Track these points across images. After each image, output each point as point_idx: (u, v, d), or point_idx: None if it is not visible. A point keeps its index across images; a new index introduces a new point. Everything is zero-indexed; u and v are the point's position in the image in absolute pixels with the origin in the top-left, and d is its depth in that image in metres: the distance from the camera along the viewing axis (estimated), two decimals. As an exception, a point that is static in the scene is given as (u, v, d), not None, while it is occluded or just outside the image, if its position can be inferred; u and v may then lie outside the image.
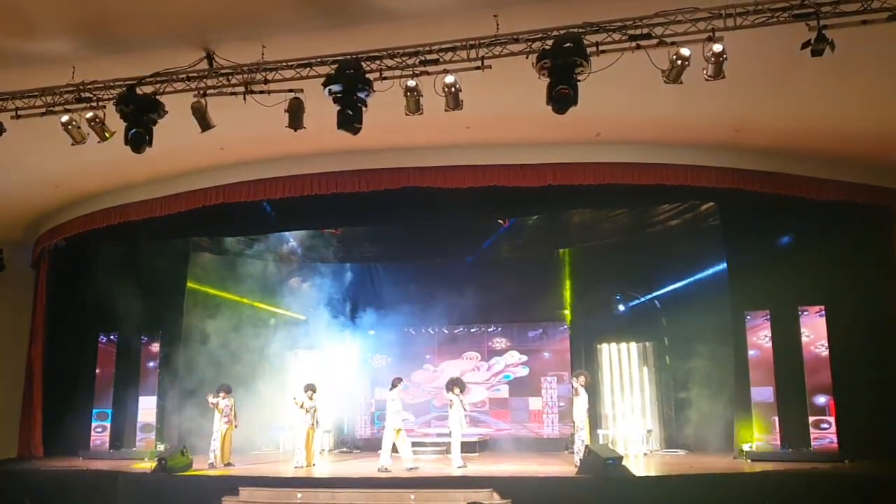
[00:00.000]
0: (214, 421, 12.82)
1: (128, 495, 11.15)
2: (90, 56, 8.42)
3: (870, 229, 12.54)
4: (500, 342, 16.94)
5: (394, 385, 12.62)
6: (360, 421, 17.16)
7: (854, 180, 12.19)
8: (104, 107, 8.58)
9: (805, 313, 12.28)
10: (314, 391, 13.00)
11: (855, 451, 11.45)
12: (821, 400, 11.92)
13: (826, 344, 12.05)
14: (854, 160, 11.93)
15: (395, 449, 12.15)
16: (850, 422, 11.75)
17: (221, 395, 12.90)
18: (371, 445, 16.43)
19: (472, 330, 17.14)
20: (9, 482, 11.94)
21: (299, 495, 10.30)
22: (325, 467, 13.08)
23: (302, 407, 12.74)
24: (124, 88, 8.31)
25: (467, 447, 13.03)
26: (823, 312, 12.19)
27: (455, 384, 12.56)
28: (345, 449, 16.27)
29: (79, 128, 8.78)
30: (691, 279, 14.75)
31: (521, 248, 16.48)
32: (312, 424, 12.86)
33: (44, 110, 8.70)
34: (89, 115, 8.59)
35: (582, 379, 12.21)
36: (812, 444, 11.83)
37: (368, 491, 10.36)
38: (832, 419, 11.78)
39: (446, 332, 17.24)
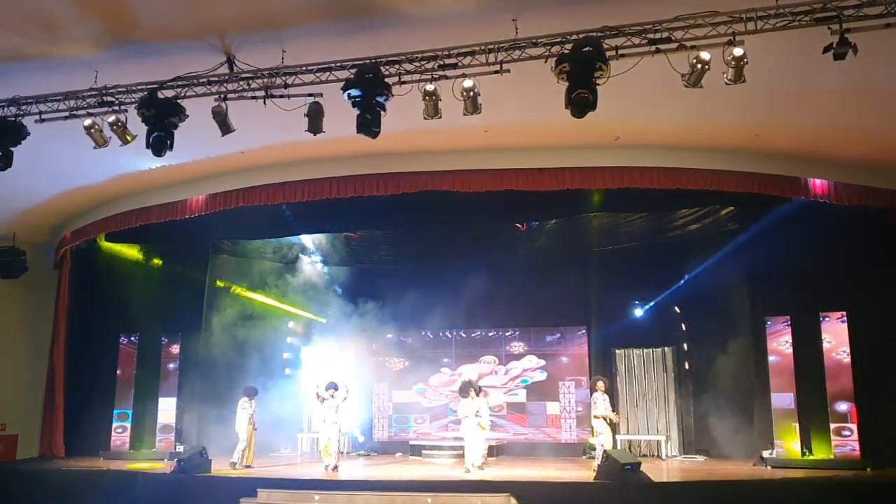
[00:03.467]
0: (238, 422, 12.85)
1: (147, 496, 11.23)
2: (112, 60, 8.49)
3: (892, 234, 12.38)
4: (518, 346, 16.91)
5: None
6: (378, 424, 17.18)
7: (875, 185, 12.07)
8: (126, 110, 8.65)
9: (826, 319, 12.17)
10: (335, 390, 12.91)
11: (877, 459, 11.32)
12: (842, 407, 11.80)
13: (848, 350, 11.92)
14: (876, 165, 11.81)
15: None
16: (872, 429, 11.62)
17: (245, 398, 12.93)
18: (388, 448, 16.49)
19: (490, 334, 17.12)
20: (30, 482, 12.06)
21: (317, 497, 10.30)
22: (343, 470, 13.07)
23: (333, 398, 12.58)
24: (146, 92, 8.39)
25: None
26: (845, 318, 12.06)
27: (470, 387, 12.54)
28: (362, 452, 16.28)
29: (101, 131, 8.87)
30: (711, 284, 14.62)
31: (539, 252, 16.43)
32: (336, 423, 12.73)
33: (67, 114, 8.80)
34: (111, 118, 8.67)
35: (600, 384, 12.15)
36: (834, 451, 11.70)
37: (386, 494, 10.32)
38: (854, 426, 11.66)
39: (464, 335, 17.25)
